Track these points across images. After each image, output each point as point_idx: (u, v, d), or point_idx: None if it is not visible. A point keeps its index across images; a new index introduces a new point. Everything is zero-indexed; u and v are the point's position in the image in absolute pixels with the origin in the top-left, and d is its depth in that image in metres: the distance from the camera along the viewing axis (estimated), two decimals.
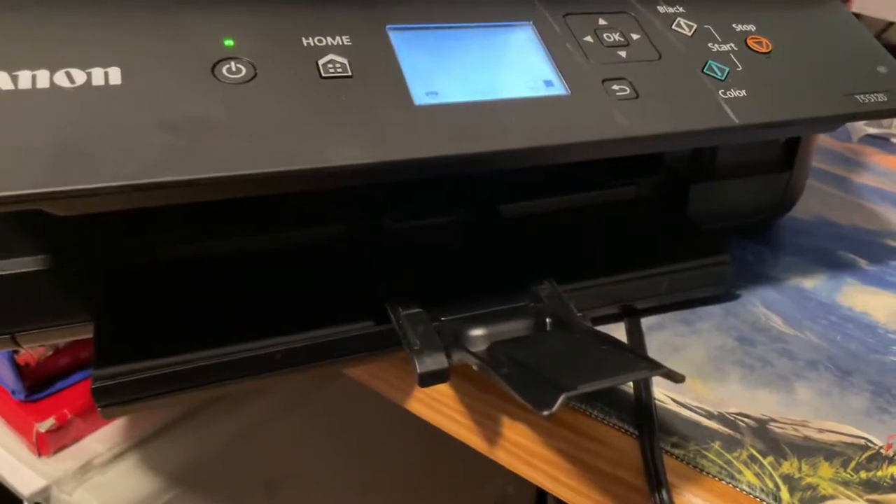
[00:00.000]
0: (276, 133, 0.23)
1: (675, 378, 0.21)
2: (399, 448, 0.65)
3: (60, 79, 0.22)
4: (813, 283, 0.39)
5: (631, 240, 0.36)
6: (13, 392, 0.46)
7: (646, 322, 0.34)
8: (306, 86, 0.24)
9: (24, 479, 0.43)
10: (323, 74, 0.24)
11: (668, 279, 0.34)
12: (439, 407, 0.32)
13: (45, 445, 0.44)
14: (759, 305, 0.37)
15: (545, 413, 0.19)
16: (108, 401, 0.25)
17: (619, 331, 0.34)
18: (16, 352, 0.45)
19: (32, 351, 0.45)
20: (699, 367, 0.32)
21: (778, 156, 0.40)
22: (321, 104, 0.24)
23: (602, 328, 0.32)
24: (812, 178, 0.43)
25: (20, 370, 0.45)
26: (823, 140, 0.56)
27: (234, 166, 0.21)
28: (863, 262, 0.41)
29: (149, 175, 0.20)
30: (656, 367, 0.22)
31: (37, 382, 0.46)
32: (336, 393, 0.56)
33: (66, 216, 0.22)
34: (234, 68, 0.24)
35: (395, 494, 0.65)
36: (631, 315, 0.34)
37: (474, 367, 0.25)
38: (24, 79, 0.21)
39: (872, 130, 0.59)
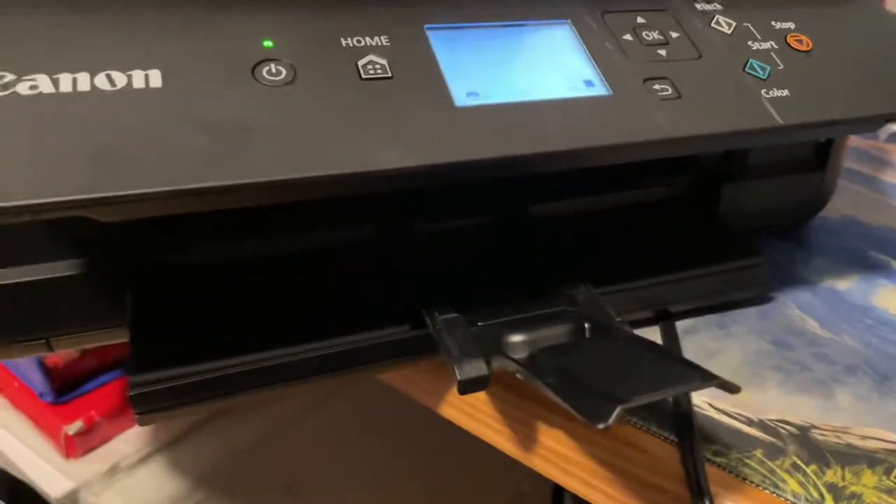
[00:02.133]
0: (318, 136, 0.22)
1: (731, 389, 0.21)
2: (418, 448, 0.65)
3: (101, 81, 0.21)
4: (846, 285, 0.38)
5: (664, 241, 0.36)
6: (41, 394, 0.46)
7: (680, 326, 0.34)
8: (347, 87, 0.24)
9: (53, 482, 0.43)
10: (363, 76, 0.24)
11: (704, 281, 0.34)
12: (474, 413, 0.31)
13: (72, 448, 0.45)
14: (794, 308, 0.36)
15: (600, 426, 0.18)
16: (147, 408, 0.25)
17: (653, 335, 0.33)
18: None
19: (60, 353, 0.45)
20: (736, 371, 0.32)
21: (811, 155, 0.40)
22: (362, 106, 0.23)
23: (637, 332, 0.32)
24: (840, 177, 0.42)
25: (48, 372, 0.45)
26: (850, 138, 0.55)
27: (277, 171, 0.21)
28: (895, 264, 0.40)
29: (193, 180, 0.20)
30: (711, 378, 0.22)
31: (64, 384, 0.46)
32: (358, 395, 0.56)
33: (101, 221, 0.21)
34: (273, 70, 0.23)
35: (414, 494, 0.65)
36: (665, 318, 0.34)
37: (518, 376, 0.25)
38: (65, 81, 0.21)
39: None
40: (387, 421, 0.60)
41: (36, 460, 0.44)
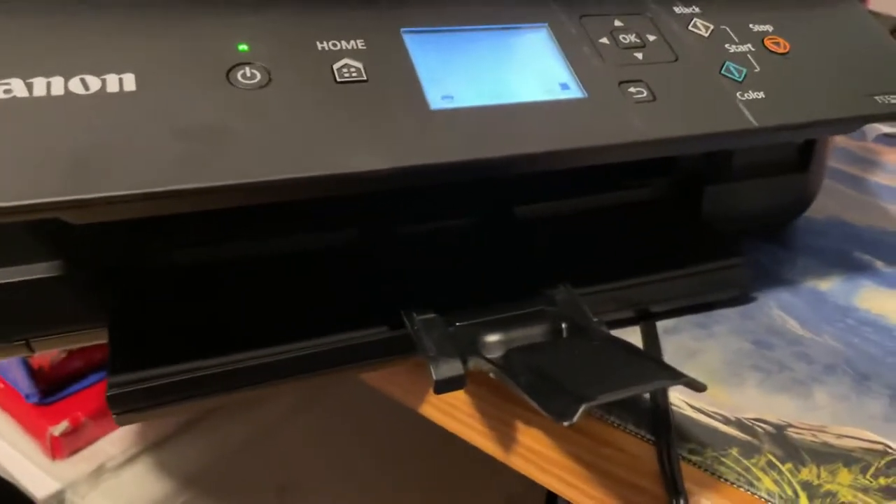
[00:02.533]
0: (292, 139, 0.22)
1: (697, 387, 0.21)
2: (410, 449, 0.65)
3: (75, 85, 0.22)
4: (829, 285, 0.38)
5: (645, 242, 0.36)
6: (27, 395, 0.46)
7: (661, 326, 0.34)
8: (321, 91, 0.24)
9: (38, 483, 0.43)
10: (338, 79, 0.24)
11: (684, 282, 0.34)
12: (454, 412, 0.32)
13: (58, 449, 0.45)
14: (775, 308, 0.36)
15: (565, 424, 0.19)
16: (124, 408, 0.25)
17: (634, 335, 0.33)
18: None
19: (46, 354, 0.45)
20: (716, 371, 0.32)
21: (794, 156, 0.40)
22: (337, 109, 0.24)
23: (617, 332, 0.32)
24: (827, 178, 0.43)
25: (34, 374, 0.45)
26: (838, 139, 0.56)
27: (251, 173, 0.21)
28: (879, 264, 0.40)
29: (166, 183, 0.20)
30: (678, 377, 0.22)
31: (50, 385, 0.46)
32: (347, 395, 0.56)
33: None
34: (248, 74, 0.23)
35: (407, 495, 0.65)
36: (646, 319, 0.34)
37: (491, 375, 0.25)
38: (39, 86, 0.21)
39: (887, 129, 0.58)
40: (379, 421, 0.60)
41: (21, 461, 0.44)
